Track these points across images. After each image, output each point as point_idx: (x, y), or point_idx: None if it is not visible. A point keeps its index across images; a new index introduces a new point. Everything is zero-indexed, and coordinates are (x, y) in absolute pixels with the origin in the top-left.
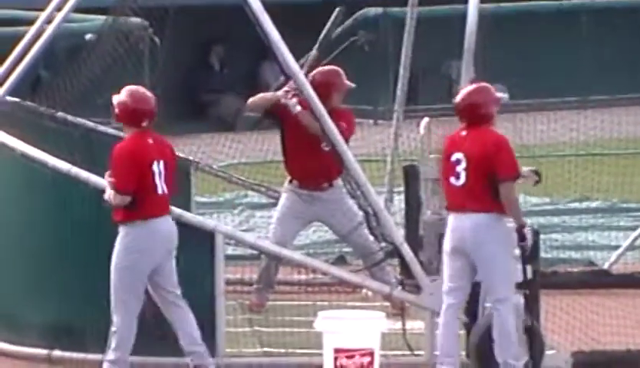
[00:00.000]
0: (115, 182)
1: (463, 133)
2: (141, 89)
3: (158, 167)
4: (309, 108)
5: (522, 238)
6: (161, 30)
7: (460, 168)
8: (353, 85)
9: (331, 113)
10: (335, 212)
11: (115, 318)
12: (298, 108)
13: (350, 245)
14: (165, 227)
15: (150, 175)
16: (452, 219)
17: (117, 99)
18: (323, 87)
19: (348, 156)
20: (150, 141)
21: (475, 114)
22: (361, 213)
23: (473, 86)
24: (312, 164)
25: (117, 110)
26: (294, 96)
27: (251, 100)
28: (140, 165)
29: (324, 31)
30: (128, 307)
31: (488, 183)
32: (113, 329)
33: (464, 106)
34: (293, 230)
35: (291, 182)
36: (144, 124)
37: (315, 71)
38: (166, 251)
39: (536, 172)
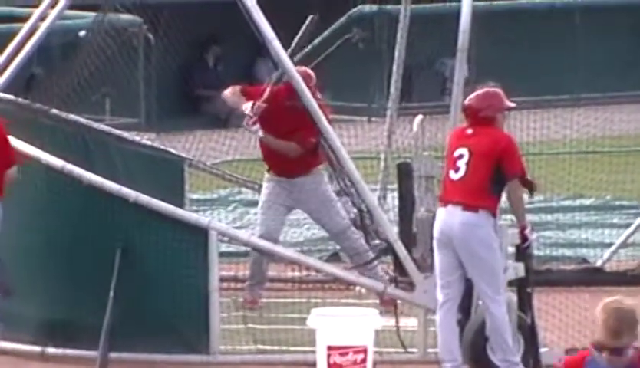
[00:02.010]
0: None
1: (469, 130)
2: None
3: None
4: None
5: (523, 239)
6: (155, 27)
7: (462, 162)
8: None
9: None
10: (311, 198)
11: None
12: (261, 133)
13: (335, 241)
14: None
15: None
16: (442, 212)
17: None
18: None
19: (342, 153)
20: None
21: (476, 117)
22: (346, 214)
23: (484, 90)
24: (280, 160)
25: None
26: (255, 122)
27: (227, 94)
28: None
29: (295, 39)
30: None
31: (487, 178)
32: None
33: (467, 108)
34: (278, 217)
35: (269, 171)
36: None
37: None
38: None
39: (533, 184)
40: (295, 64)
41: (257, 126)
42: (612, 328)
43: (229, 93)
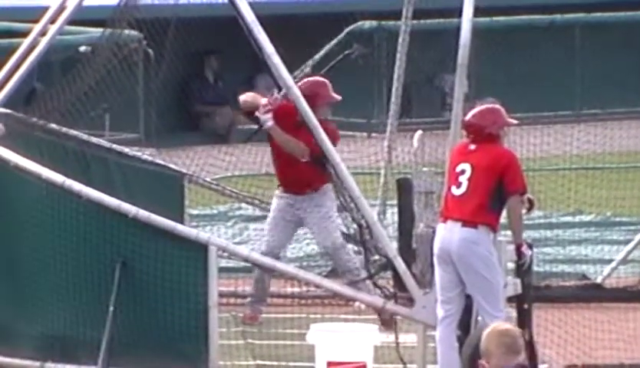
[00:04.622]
0: None
1: (472, 146)
2: None
3: None
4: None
5: (519, 256)
6: (155, 42)
7: (464, 178)
8: (339, 98)
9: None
10: (312, 214)
11: None
12: (270, 124)
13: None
14: None
15: None
16: (441, 228)
17: None
18: (308, 98)
19: (341, 169)
20: None
21: (480, 133)
22: (343, 227)
23: (485, 106)
24: (292, 172)
25: None
26: (269, 110)
27: (244, 98)
28: None
29: None
30: None
31: (488, 194)
32: None
33: (469, 124)
34: (284, 234)
35: (279, 187)
36: None
37: (301, 82)
38: None
39: (530, 201)
40: (295, 80)
41: (269, 115)
42: (514, 347)
43: (247, 95)
